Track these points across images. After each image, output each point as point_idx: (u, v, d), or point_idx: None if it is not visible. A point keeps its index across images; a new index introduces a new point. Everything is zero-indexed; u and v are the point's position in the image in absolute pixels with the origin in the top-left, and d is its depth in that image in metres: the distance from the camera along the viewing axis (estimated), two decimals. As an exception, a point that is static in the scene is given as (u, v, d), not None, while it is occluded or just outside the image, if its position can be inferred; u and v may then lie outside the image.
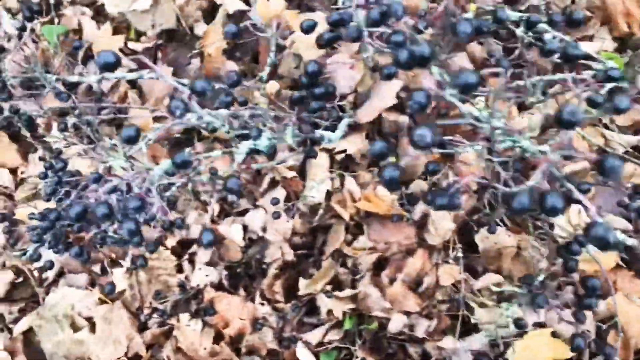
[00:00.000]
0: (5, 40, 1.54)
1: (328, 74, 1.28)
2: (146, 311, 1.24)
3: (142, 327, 1.25)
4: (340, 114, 0.99)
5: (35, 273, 1.35)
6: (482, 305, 1.03)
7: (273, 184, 1.20)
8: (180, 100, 0.45)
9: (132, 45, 1.44)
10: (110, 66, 0.43)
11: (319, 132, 0.72)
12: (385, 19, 0.46)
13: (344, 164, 1.19)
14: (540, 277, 0.73)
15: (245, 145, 0.54)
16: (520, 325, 0.72)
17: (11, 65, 1.48)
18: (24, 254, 0.86)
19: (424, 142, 0.36)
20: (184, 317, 1.20)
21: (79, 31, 1.52)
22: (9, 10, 1.59)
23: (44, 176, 0.95)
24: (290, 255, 1.14)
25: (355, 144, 1.19)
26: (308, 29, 0.60)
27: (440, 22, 0.52)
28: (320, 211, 1.14)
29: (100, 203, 0.43)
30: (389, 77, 0.55)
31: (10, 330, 1.35)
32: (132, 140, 0.44)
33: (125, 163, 0.72)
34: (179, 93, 0.47)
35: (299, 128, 0.61)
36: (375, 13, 0.46)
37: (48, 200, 0.88)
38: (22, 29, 0.87)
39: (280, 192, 1.19)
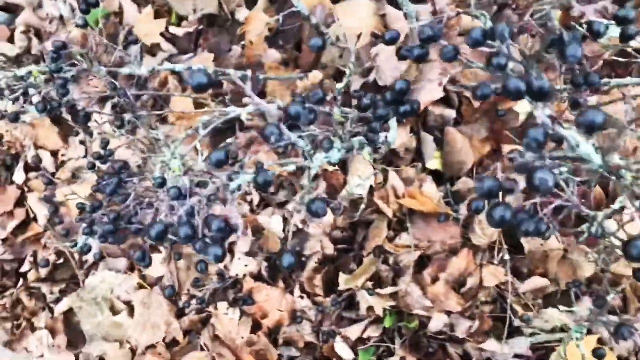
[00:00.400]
0: (47, 22, 1.54)
1: (373, 64, 1.25)
2: (184, 298, 1.25)
3: (180, 313, 1.26)
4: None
5: (76, 255, 1.38)
6: (526, 308, 1.01)
7: (314, 177, 1.18)
8: (275, 125, 0.43)
9: (173, 29, 1.43)
10: (204, 87, 0.42)
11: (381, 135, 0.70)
12: (487, 39, 0.43)
13: (387, 158, 1.17)
14: (611, 295, 0.70)
15: (318, 159, 0.52)
16: (599, 356, 0.70)
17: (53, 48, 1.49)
18: (75, 245, 0.87)
19: (547, 186, 0.34)
20: (222, 305, 1.21)
21: (119, 14, 1.52)
22: (50, -9, 1.59)
23: (91, 166, 0.95)
24: (330, 249, 1.13)
25: (400, 138, 1.16)
26: (391, 40, 0.57)
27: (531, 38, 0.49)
28: (362, 206, 1.12)
29: (182, 223, 0.42)
30: (484, 97, 0.52)
31: (51, 310, 1.38)
32: (221, 163, 0.43)
33: (179, 161, 0.71)
34: (271, 117, 0.45)
35: (365, 136, 0.59)
36: (478, 33, 0.43)
37: (97, 191, 0.88)
38: (84, 25, 0.86)
39: (321, 185, 1.17)
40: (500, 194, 0.40)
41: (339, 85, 0.59)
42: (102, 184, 0.89)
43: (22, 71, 0.72)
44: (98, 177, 1.07)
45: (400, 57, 0.56)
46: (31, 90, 1.11)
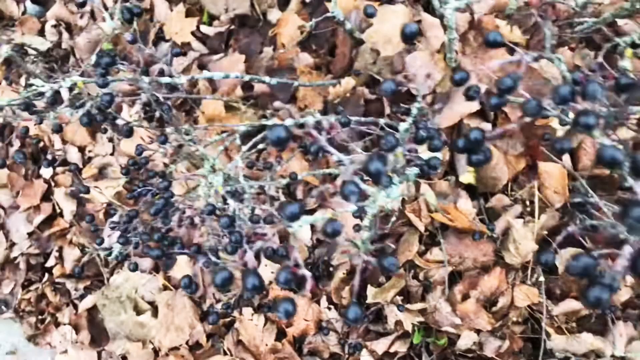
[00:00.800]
0: (78, 16, 1.54)
1: (406, 72, 1.23)
2: (209, 301, 1.25)
3: (204, 316, 1.26)
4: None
5: (102, 253, 1.38)
6: (559, 331, 1.00)
7: (344, 185, 1.17)
8: (354, 183, 0.42)
9: (204, 29, 1.42)
10: (283, 141, 0.40)
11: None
12: (575, 97, 0.41)
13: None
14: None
15: (380, 199, 0.50)
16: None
17: (84, 41, 1.49)
18: (109, 253, 0.86)
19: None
20: (247, 311, 1.20)
21: (150, 11, 1.51)
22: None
23: (125, 172, 0.94)
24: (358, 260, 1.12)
25: (433, 150, 1.14)
26: (460, 81, 0.54)
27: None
28: (393, 218, 1.10)
29: (249, 272, 0.41)
30: (562, 151, 0.50)
31: (75, 306, 1.39)
32: (295, 217, 0.42)
33: (221, 178, 0.70)
34: (346, 173, 0.43)
35: (421, 169, 0.58)
36: (566, 90, 0.41)
37: (131, 198, 0.88)
38: (133, 41, 0.85)
39: (351, 195, 1.16)
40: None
41: (404, 126, 0.57)
42: (137, 192, 0.88)
43: (67, 83, 0.72)
44: (132, 183, 1.07)
45: (469, 98, 0.54)
46: (64, 93, 1.10)
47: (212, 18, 1.43)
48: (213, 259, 0.71)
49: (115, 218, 1.21)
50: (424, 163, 0.57)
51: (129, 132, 0.77)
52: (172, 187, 0.74)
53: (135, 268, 0.85)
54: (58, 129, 0.73)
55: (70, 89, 0.79)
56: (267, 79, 1.02)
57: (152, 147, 1.00)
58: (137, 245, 0.82)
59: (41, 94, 0.71)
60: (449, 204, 1.05)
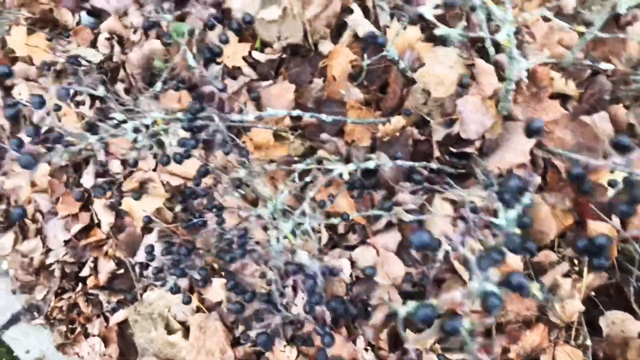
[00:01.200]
0: (132, 31, 1.56)
1: (457, 115, 1.23)
2: (241, 327, 1.25)
3: (235, 342, 1.26)
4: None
5: (137, 268, 1.39)
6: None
7: (389, 225, 1.17)
8: (497, 296, 0.42)
9: (255, 54, 1.43)
10: (426, 246, 0.41)
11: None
12: None
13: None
14: None
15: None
16: None
17: (136, 56, 1.51)
18: (163, 284, 0.87)
19: None
20: (279, 341, 1.20)
21: (204, 32, 1.52)
22: (137, 0, 1.62)
23: (181, 200, 0.95)
24: (398, 303, 1.12)
25: (481, 196, 1.14)
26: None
27: None
28: (437, 264, 1.10)
29: None
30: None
31: (106, 318, 1.40)
32: (427, 320, 0.42)
33: (291, 224, 0.71)
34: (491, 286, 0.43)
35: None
36: None
37: (186, 228, 0.89)
38: (224, 89, 0.87)
39: (395, 236, 1.16)
40: None
41: (512, 214, 0.57)
42: (193, 222, 0.89)
43: (148, 120, 0.73)
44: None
45: (581, 191, 0.54)
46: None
47: (265, 45, 1.45)
48: (284, 312, 0.72)
49: (152, 239, 1.22)
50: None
51: (203, 175, 0.78)
52: (248, 233, 0.75)
53: (189, 301, 0.85)
54: (134, 164, 0.74)
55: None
56: (323, 116, 1.03)
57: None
58: (193, 278, 0.83)
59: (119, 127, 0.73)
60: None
